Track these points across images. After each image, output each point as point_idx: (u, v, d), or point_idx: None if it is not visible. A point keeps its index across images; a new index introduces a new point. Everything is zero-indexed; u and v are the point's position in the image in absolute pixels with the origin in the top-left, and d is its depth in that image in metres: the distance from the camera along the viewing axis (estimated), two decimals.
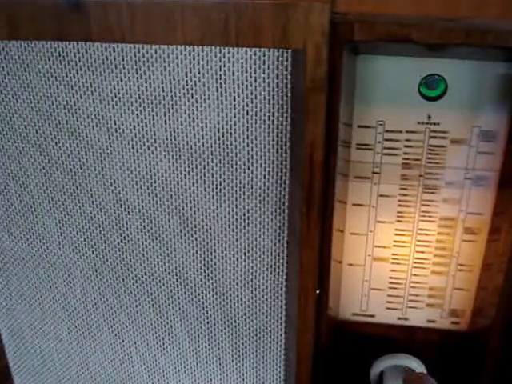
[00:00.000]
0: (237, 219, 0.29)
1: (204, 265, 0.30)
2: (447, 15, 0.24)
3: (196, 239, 0.30)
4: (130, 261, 0.31)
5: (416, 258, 0.30)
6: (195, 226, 0.29)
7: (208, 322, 0.32)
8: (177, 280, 0.31)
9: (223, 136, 0.27)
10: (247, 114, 0.26)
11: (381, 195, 0.29)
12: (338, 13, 0.24)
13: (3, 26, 0.25)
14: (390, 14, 0.24)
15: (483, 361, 0.30)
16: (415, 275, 0.30)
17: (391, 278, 0.31)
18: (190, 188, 0.28)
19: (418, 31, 0.23)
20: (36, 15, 0.25)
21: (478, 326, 0.30)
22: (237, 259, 0.30)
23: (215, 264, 0.30)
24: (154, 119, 0.27)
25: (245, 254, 0.29)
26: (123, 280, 0.32)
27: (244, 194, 0.28)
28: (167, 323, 0.33)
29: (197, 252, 0.30)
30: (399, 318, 0.32)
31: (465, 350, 0.31)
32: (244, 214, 0.28)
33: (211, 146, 0.27)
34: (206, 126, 0.27)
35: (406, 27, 0.23)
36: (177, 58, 0.25)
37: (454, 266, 0.30)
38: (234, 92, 0.26)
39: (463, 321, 0.31)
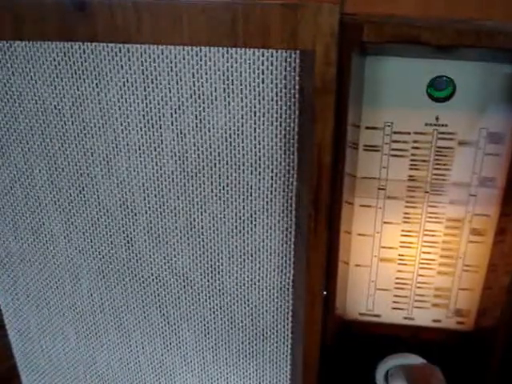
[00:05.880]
0: (244, 220, 0.29)
1: (211, 266, 0.30)
2: (455, 16, 0.24)
3: (203, 240, 0.30)
4: (137, 261, 0.31)
5: (422, 259, 0.30)
6: (202, 228, 0.29)
7: (215, 323, 0.32)
8: (184, 281, 0.31)
9: (230, 137, 0.27)
10: (255, 115, 0.26)
11: (388, 197, 0.29)
12: (348, 13, 0.23)
13: (8, 26, 0.25)
14: (399, 16, 0.24)
15: (488, 361, 0.30)
16: (421, 276, 0.30)
17: (397, 278, 0.31)
18: (197, 189, 0.28)
19: (428, 33, 0.23)
20: (41, 15, 0.24)
21: (483, 326, 0.31)
22: (244, 260, 0.30)
23: (222, 265, 0.30)
24: (160, 120, 0.27)
25: (252, 255, 0.29)
26: (130, 281, 0.32)
27: (251, 195, 0.28)
28: (174, 323, 0.33)
29: (204, 253, 0.30)
30: (405, 318, 0.32)
31: (470, 350, 0.31)
32: (251, 216, 0.28)
33: (218, 147, 0.27)
34: (214, 127, 0.26)
35: (416, 29, 0.23)
36: (184, 58, 0.25)
37: (460, 267, 0.30)
38: (242, 93, 0.25)
39: (468, 321, 0.31)
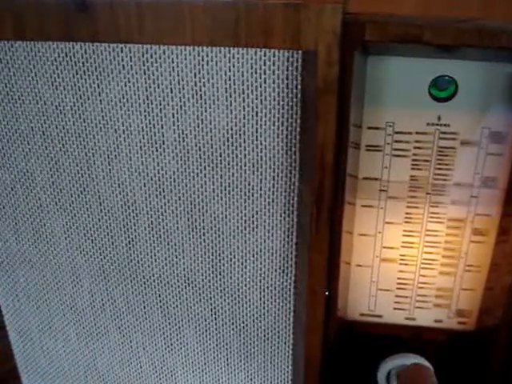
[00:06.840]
0: (245, 221, 0.28)
1: (212, 266, 0.30)
2: (458, 16, 0.24)
3: (204, 241, 0.30)
4: (138, 262, 0.31)
5: (424, 259, 0.30)
6: (204, 228, 0.29)
7: (216, 323, 0.32)
8: (185, 281, 0.31)
9: (232, 137, 0.27)
10: (256, 115, 0.26)
11: (389, 197, 0.29)
12: (350, 13, 0.23)
13: (9, 27, 0.25)
14: (401, 15, 0.24)
15: (489, 361, 0.30)
16: (423, 276, 0.30)
17: (399, 278, 0.31)
18: (198, 190, 0.28)
19: (430, 32, 0.23)
20: (42, 15, 0.24)
21: (484, 326, 0.31)
22: (245, 261, 0.30)
23: (224, 266, 0.30)
24: (162, 120, 0.27)
25: (253, 255, 0.29)
26: (131, 281, 0.32)
27: (253, 195, 0.28)
28: (175, 324, 0.33)
29: (205, 254, 0.30)
30: (406, 318, 0.32)
31: (471, 350, 0.31)
32: (253, 216, 0.28)
33: (220, 148, 0.27)
34: (215, 128, 0.26)
35: (418, 28, 0.23)
36: (186, 58, 0.25)
37: (462, 267, 0.30)
38: (244, 93, 0.25)
39: (470, 321, 0.31)
